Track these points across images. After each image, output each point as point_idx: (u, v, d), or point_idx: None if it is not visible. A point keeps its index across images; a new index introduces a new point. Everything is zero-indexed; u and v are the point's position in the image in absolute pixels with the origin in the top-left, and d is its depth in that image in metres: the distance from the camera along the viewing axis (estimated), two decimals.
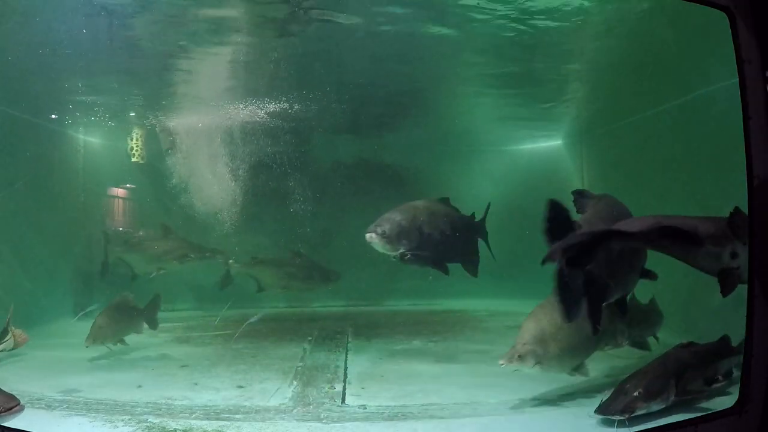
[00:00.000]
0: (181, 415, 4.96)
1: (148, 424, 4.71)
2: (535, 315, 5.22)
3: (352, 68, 8.86)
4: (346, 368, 6.59)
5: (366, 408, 5.21)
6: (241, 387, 5.89)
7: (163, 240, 9.73)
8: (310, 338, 8.06)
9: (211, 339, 8.09)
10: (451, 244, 6.81)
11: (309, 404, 5.31)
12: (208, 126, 9.97)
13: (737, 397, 4.36)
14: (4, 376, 5.74)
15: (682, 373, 4.81)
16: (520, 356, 4.98)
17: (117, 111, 10.29)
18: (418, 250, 6.55)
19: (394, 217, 6.53)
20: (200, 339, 8.18)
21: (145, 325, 7.40)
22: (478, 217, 7.53)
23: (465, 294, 10.65)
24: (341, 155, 11.73)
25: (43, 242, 9.41)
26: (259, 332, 8.16)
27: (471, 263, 7.08)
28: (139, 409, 5.12)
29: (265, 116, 9.80)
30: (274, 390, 5.76)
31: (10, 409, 4.60)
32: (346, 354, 7.24)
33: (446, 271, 6.83)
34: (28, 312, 7.95)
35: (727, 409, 4.44)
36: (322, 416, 4.98)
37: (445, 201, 7.14)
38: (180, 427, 4.67)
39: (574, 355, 5.21)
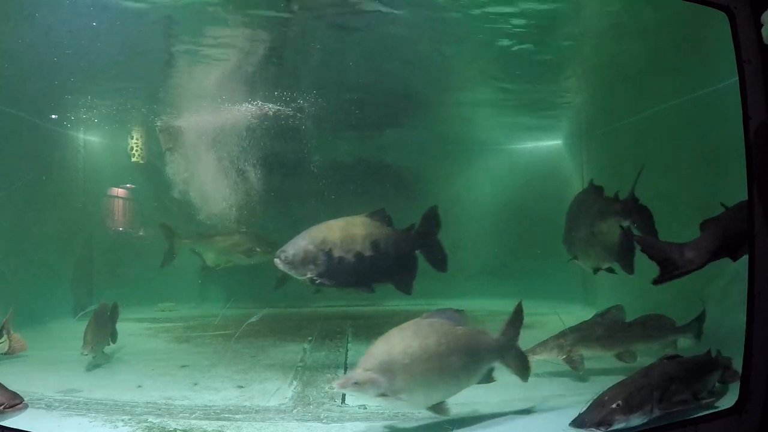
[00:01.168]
0: (181, 415, 4.97)
1: (148, 424, 4.72)
2: (389, 338, 4.56)
3: (352, 67, 8.85)
4: (346, 368, 6.60)
5: (366, 408, 5.21)
6: (241, 387, 5.90)
7: (233, 233, 9.93)
8: (310, 338, 8.07)
9: (211, 339, 8.09)
10: (373, 263, 6.43)
11: (309, 404, 5.32)
12: (208, 126, 9.96)
13: (737, 397, 4.36)
14: (4, 375, 5.74)
15: (667, 386, 4.60)
16: (356, 383, 4.33)
17: (117, 111, 10.29)
18: (327, 275, 6.27)
19: (300, 241, 6.22)
20: (200, 339, 8.18)
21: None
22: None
23: (465, 294, 10.65)
24: (341, 155, 11.72)
25: (43, 242, 9.40)
26: (259, 332, 8.16)
27: (402, 282, 6.68)
28: (139, 409, 5.13)
29: (266, 116, 9.80)
30: (274, 390, 5.77)
31: (14, 406, 4.59)
32: (346, 354, 7.25)
33: (371, 290, 6.59)
34: (28, 312, 7.95)
35: (727, 409, 4.44)
36: (322, 416, 4.99)
37: (376, 215, 6.61)
38: (180, 427, 4.67)
39: (429, 391, 4.53)
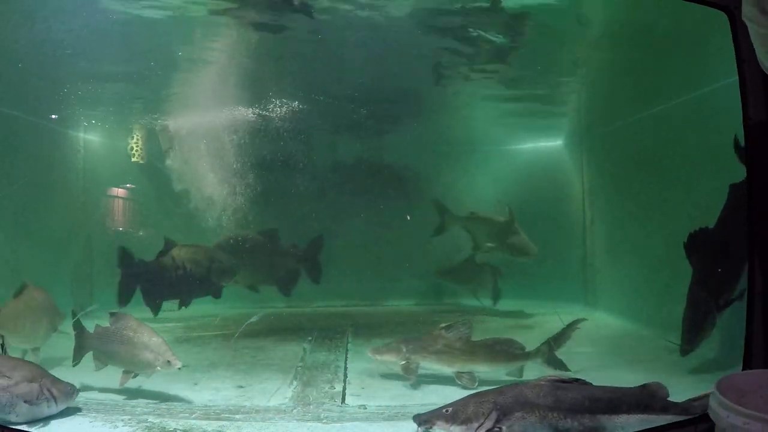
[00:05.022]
0: (181, 415, 4.97)
1: (148, 424, 4.72)
2: None
3: (352, 67, 8.87)
4: (346, 368, 6.59)
5: (366, 408, 5.22)
6: (241, 387, 5.90)
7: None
8: (310, 338, 8.06)
9: (211, 339, 8.09)
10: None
11: (309, 404, 5.32)
12: (208, 126, 9.96)
13: None
14: None
15: (512, 410, 4.11)
16: None
17: (117, 111, 10.29)
18: None
19: None
20: (200, 339, 8.18)
21: None
22: None
23: (465, 294, 10.66)
24: (341, 155, 11.72)
25: (43, 242, 9.40)
26: (259, 332, 8.16)
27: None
28: (139, 409, 5.13)
29: (265, 116, 9.80)
30: (274, 390, 5.77)
31: (73, 392, 4.94)
32: (346, 354, 7.24)
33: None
34: None
35: None
36: (322, 416, 4.99)
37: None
38: (180, 427, 4.68)
39: None
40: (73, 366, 5.83)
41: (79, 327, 5.97)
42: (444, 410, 4.23)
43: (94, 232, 10.80)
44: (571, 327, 5.88)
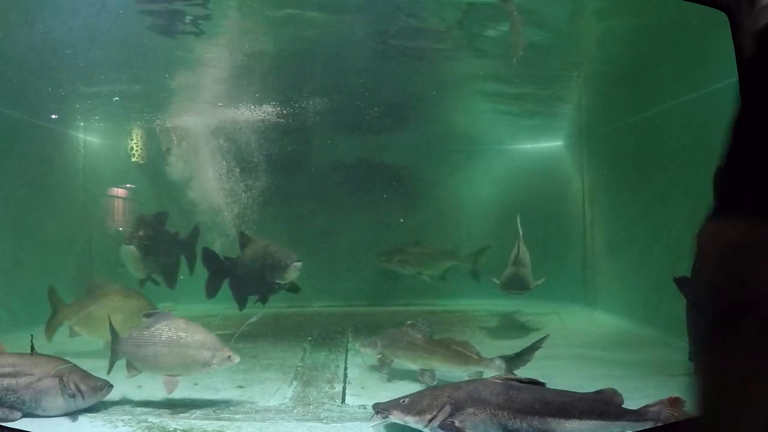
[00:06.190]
0: (181, 415, 4.98)
1: (148, 424, 4.73)
2: None
3: (351, 67, 8.86)
4: (346, 368, 6.59)
5: (366, 408, 5.21)
6: (241, 387, 5.90)
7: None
8: (310, 338, 8.06)
9: None
10: None
11: (309, 404, 5.32)
12: (209, 126, 9.96)
13: None
14: None
15: (464, 406, 4.21)
16: None
17: (117, 111, 10.30)
18: None
19: None
20: None
21: None
22: None
23: (465, 294, 10.66)
24: (341, 155, 11.73)
25: (43, 242, 9.40)
26: (259, 332, 8.15)
27: None
28: (139, 409, 5.13)
29: (265, 116, 9.80)
30: (274, 390, 5.77)
31: (103, 388, 5.00)
32: (346, 354, 7.24)
33: None
34: (27, 312, 7.94)
35: None
36: (322, 416, 4.99)
37: None
38: (180, 427, 4.68)
39: None
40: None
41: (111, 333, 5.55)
42: (401, 401, 4.40)
43: (94, 232, 10.81)
44: (534, 347, 5.53)
